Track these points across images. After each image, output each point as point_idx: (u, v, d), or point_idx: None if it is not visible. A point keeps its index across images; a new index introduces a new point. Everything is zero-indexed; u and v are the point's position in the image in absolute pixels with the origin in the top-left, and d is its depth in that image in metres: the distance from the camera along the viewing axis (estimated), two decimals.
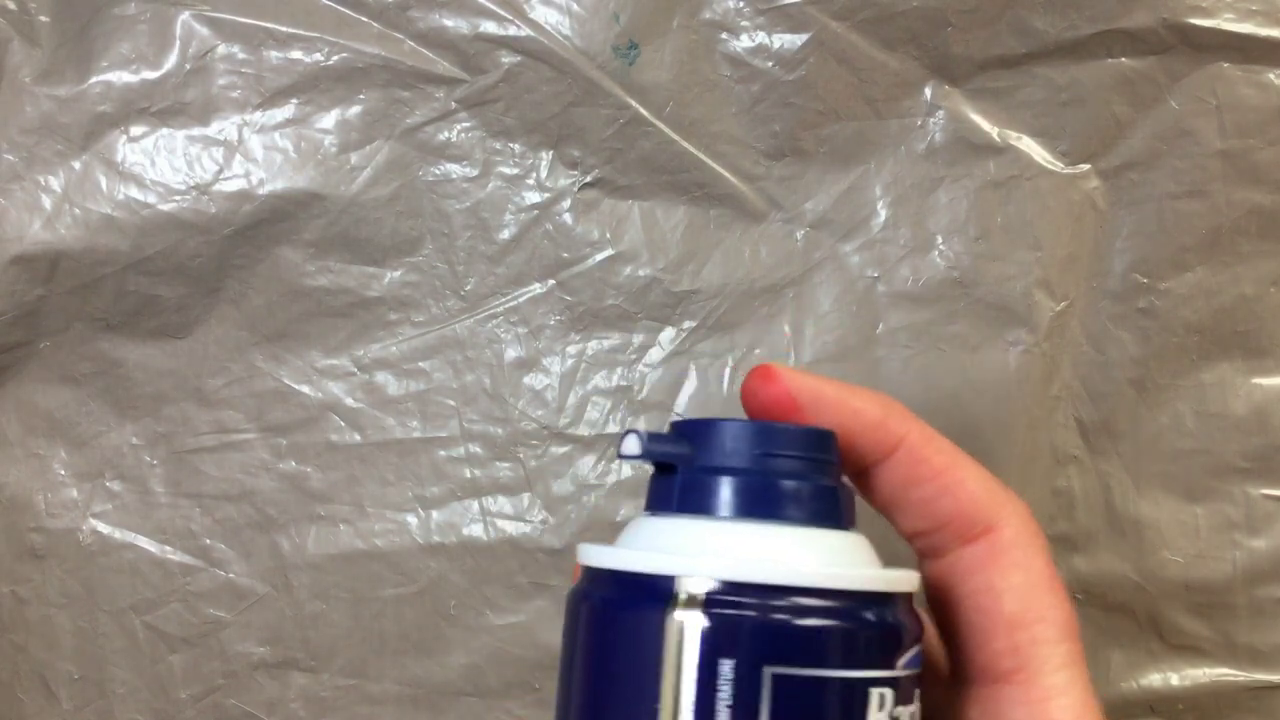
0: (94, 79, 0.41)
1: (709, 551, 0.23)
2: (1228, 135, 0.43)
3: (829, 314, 0.43)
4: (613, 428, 0.43)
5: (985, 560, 0.25)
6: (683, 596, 0.21)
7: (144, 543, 0.43)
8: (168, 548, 0.43)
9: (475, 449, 0.43)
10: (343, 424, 0.43)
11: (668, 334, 0.43)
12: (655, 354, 0.43)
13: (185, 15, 0.41)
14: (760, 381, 0.26)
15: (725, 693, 0.21)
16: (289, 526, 0.43)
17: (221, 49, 0.41)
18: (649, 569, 0.22)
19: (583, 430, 0.43)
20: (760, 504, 0.23)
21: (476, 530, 0.43)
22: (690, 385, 0.43)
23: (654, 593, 0.22)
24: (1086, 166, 0.43)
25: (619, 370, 0.43)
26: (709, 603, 0.21)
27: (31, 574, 0.43)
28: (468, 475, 0.43)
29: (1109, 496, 0.44)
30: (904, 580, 0.24)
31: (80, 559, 0.43)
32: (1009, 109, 0.43)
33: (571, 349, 0.43)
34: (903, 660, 0.23)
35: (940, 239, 0.43)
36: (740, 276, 0.43)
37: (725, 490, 0.23)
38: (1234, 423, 0.44)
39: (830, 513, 0.24)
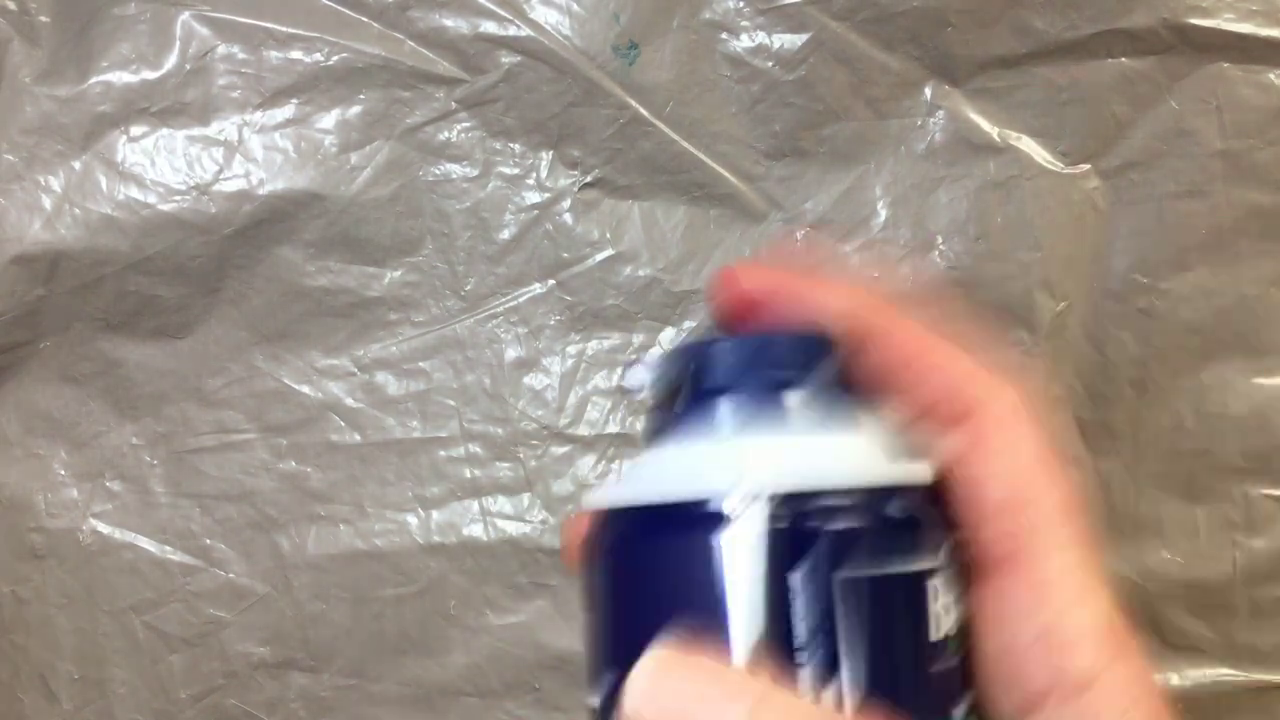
0: (94, 79, 0.41)
1: (747, 467, 0.22)
2: (1228, 135, 0.43)
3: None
4: (613, 428, 0.43)
5: (968, 447, 0.24)
6: (734, 515, 0.21)
7: (144, 543, 0.43)
8: (168, 548, 0.43)
9: (475, 449, 0.43)
10: (343, 424, 0.43)
11: (668, 334, 0.43)
12: (655, 354, 0.43)
13: (185, 15, 0.41)
14: (721, 286, 0.26)
15: (799, 605, 0.21)
16: (289, 526, 0.43)
17: (221, 49, 0.41)
18: (690, 494, 0.21)
19: (583, 430, 0.43)
20: (773, 416, 0.23)
21: (476, 530, 0.43)
22: None
23: (701, 519, 0.21)
24: (1086, 166, 0.43)
25: (619, 370, 0.43)
26: (768, 517, 0.21)
27: (31, 574, 0.43)
28: (468, 475, 0.43)
29: (1109, 496, 0.44)
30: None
31: (80, 559, 0.43)
32: (1009, 109, 0.43)
33: (571, 349, 0.43)
34: (944, 548, 0.23)
35: (940, 239, 0.43)
36: None
37: (735, 407, 0.23)
38: (1234, 423, 0.44)
39: (842, 412, 0.24)
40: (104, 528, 0.43)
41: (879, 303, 0.26)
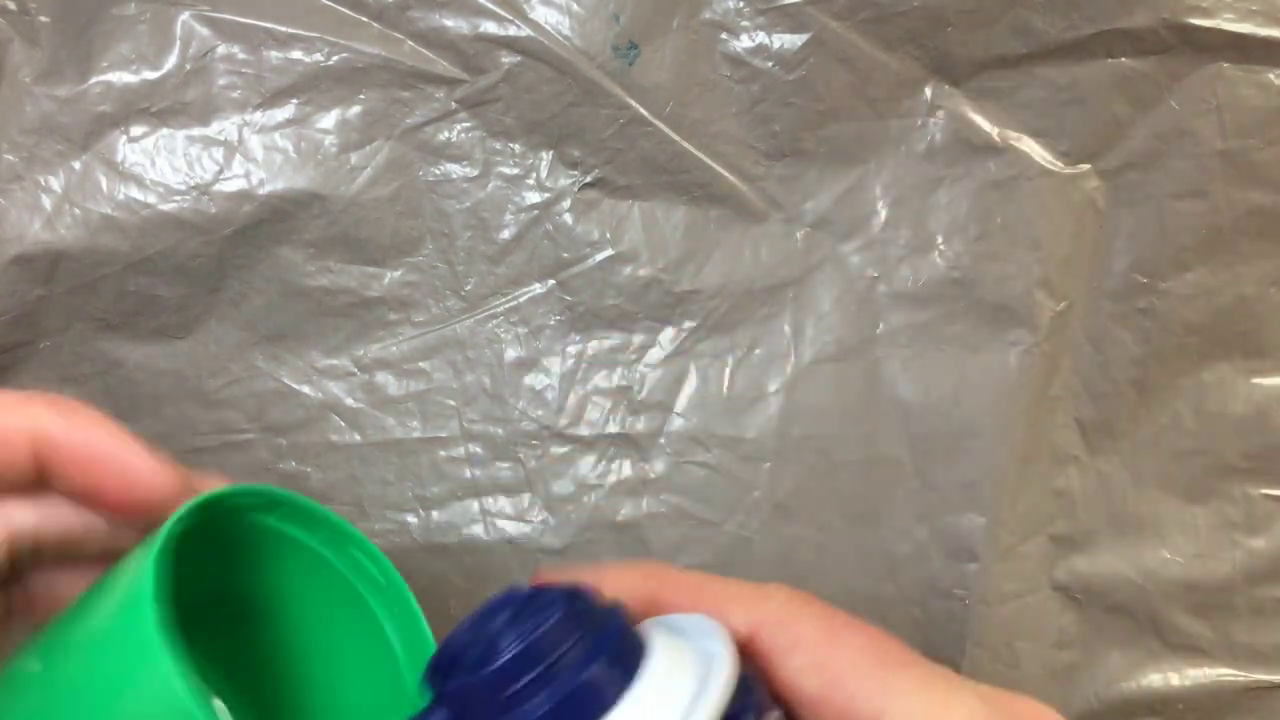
0: (94, 79, 0.41)
1: None
2: (1228, 135, 0.43)
3: (829, 314, 0.43)
4: (613, 428, 0.43)
5: (765, 662, 0.25)
6: None
7: None
8: None
9: (475, 449, 0.43)
10: (343, 424, 0.43)
11: (668, 334, 0.43)
12: (655, 354, 0.43)
13: (185, 15, 0.41)
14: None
15: None
16: None
17: (221, 49, 0.41)
18: None
19: (583, 430, 0.43)
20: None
21: (476, 530, 0.43)
22: (690, 385, 0.43)
23: None
24: (1086, 166, 0.43)
25: (619, 370, 0.43)
26: None
27: None
28: (468, 475, 0.43)
29: (1109, 496, 0.44)
30: (728, 672, 0.23)
31: None
32: (1009, 109, 0.43)
33: (571, 349, 0.43)
34: None
35: (940, 239, 0.43)
36: (740, 276, 0.43)
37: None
38: (1234, 423, 0.44)
39: (625, 673, 0.23)
40: None
41: (650, 571, 0.27)
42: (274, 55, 0.42)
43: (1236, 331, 0.44)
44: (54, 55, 0.41)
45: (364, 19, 0.41)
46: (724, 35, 0.42)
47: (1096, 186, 0.43)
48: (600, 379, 0.43)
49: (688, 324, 0.43)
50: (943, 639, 0.43)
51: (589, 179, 0.43)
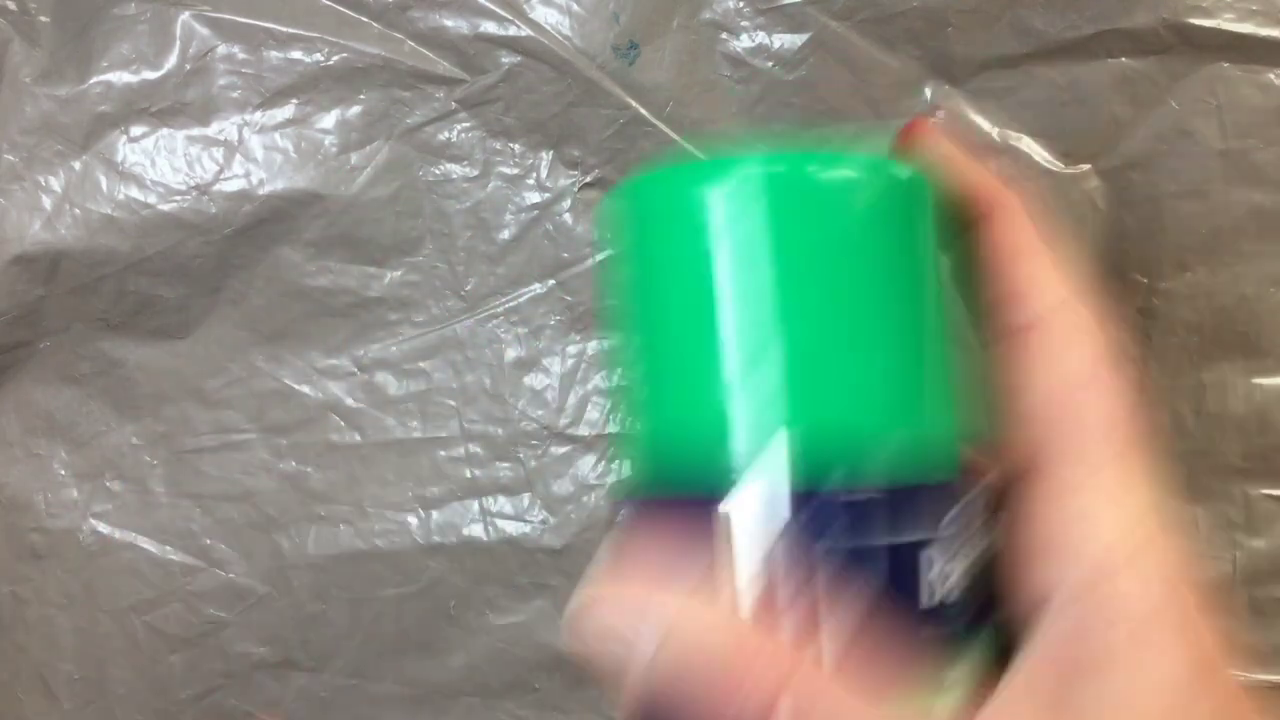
0: (94, 79, 0.41)
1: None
2: (1228, 135, 0.43)
3: None
4: (613, 428, 0.43)
5: (1020, 353, 0.24)
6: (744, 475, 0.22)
7: (144, 543, 0.43)
8: (168, 548, 0.43)
9: (475, 449, 0.43)
10: (343, 424, 0.43)
11: None
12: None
13: (185, 15, 0.41)
14: (911, 127, 0.28)
15: (783, 567, 0.21)
16: (289, 526, 0.43)
17: (221, 49, 0.41)
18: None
19: (583, 430, 0.43)
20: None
21: (476, 530, 0.43)
22: None
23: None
24: (1086, 166, 0.43)
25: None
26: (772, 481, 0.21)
27: (31, 574, 0.43)
28: (468, 475, 0.43)
29: None
30: None
31: (80, 559, 0.43)
32: (1009, 109, 0.43)
33: (571, 349, 0.43)
34: (946, 520, 0.23)
35: None
36: None
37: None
38: (1234, 423, 0.44)
39: None
40: (104, 528, 0.43)
41: (1012, 196, 0.26)
42: (274, 55, 0.42)
43: (1236, 331, 0.44)
44: (54, 55, 0.41)
45: (364, 19, 0.41)
46: (724, 35, 0.42)
47: (1096, 186, 0.43)
48: (600, 379, 0.43)
49: None
50: None
51: (589, 179, 0.43)
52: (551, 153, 0.43)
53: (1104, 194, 0.43)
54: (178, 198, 0.41)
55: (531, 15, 0.41)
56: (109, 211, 0.41)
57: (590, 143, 0.42)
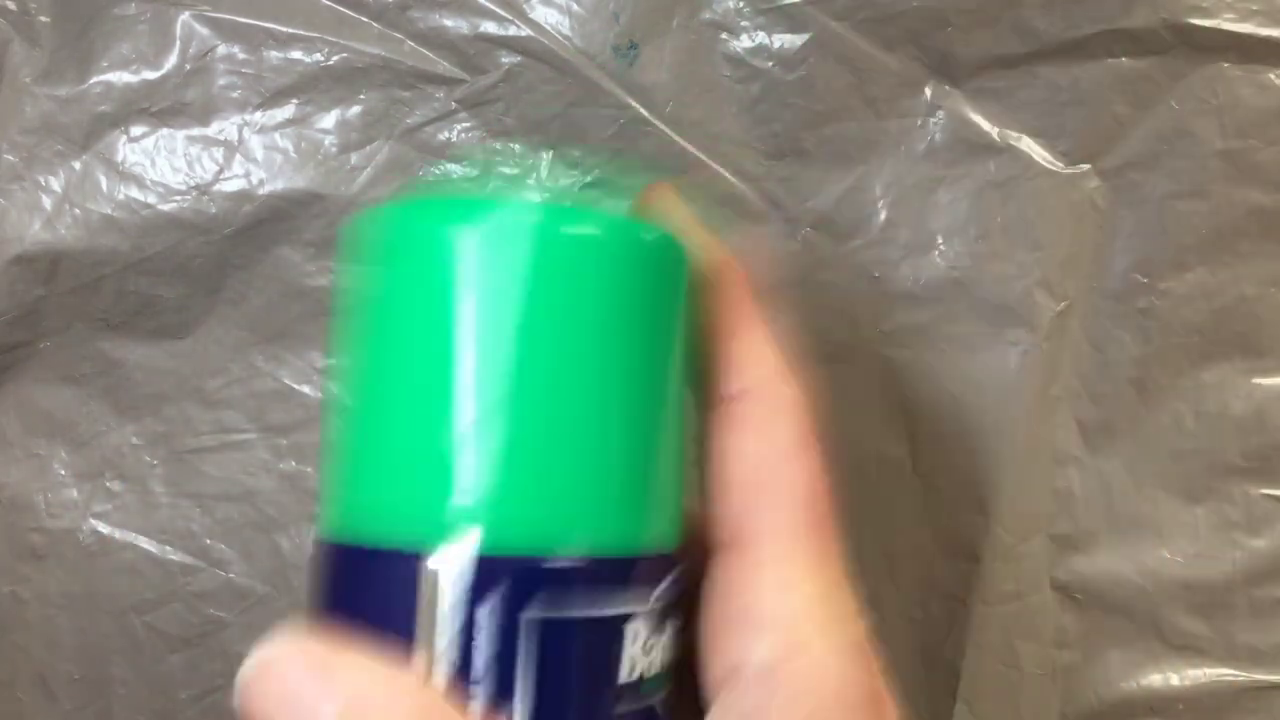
0: (94, 79, 0.41)
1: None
2: (1228, 135, 0.43)
3: (829, 314, 0.43)
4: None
5: (726, 423, 0.24)
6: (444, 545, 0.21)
7: (144, 543, 0.43)
8: (168, 548, 0.43)
9: None
10: None
11: None
12: None
13: (185, 15, 0.41)
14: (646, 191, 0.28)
15: (480, 638, 0.21)
16: (289, 526, 0.43)
17: (221, 49, 0.41)
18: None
19: None
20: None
21: None
22: None
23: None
24: (1086, 166, 0.43)
25: None
26: (473, 550, 0.21)
27: (31, 574, 0.43)
28: None
29: (1109, 496, 0.44)
30: None
31: (80, 559, 0.43)
32: (1009, 109, 0.43)
33: None
34: (657, 591, 0.23)
35: (940, 239, 0.43)
36: None
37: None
38: (1234, 423, 0.44)
39: None
40: (104, 528, 0.43)
41: (736, 267, 0.26)
42: (274, 55, 0.42)
43: (1236, 331, 0.44)
44: (54, 55, 0.41)
45: (364, 19, 0.41)
46: (724, 35, 0.42)
47: (1096, 186, 0.43)
48: None
49: None
50: (942, 639, 0.43)
51: (589, 179, 0.43)
52: (551, 153, 0.43)
53: (1104, 194, 0.43)
54: (178, 198, 0.41)
55: (531, 15, 0.41)
56: (109, 211, 0.41)
57: (590, 143, 0.42)
